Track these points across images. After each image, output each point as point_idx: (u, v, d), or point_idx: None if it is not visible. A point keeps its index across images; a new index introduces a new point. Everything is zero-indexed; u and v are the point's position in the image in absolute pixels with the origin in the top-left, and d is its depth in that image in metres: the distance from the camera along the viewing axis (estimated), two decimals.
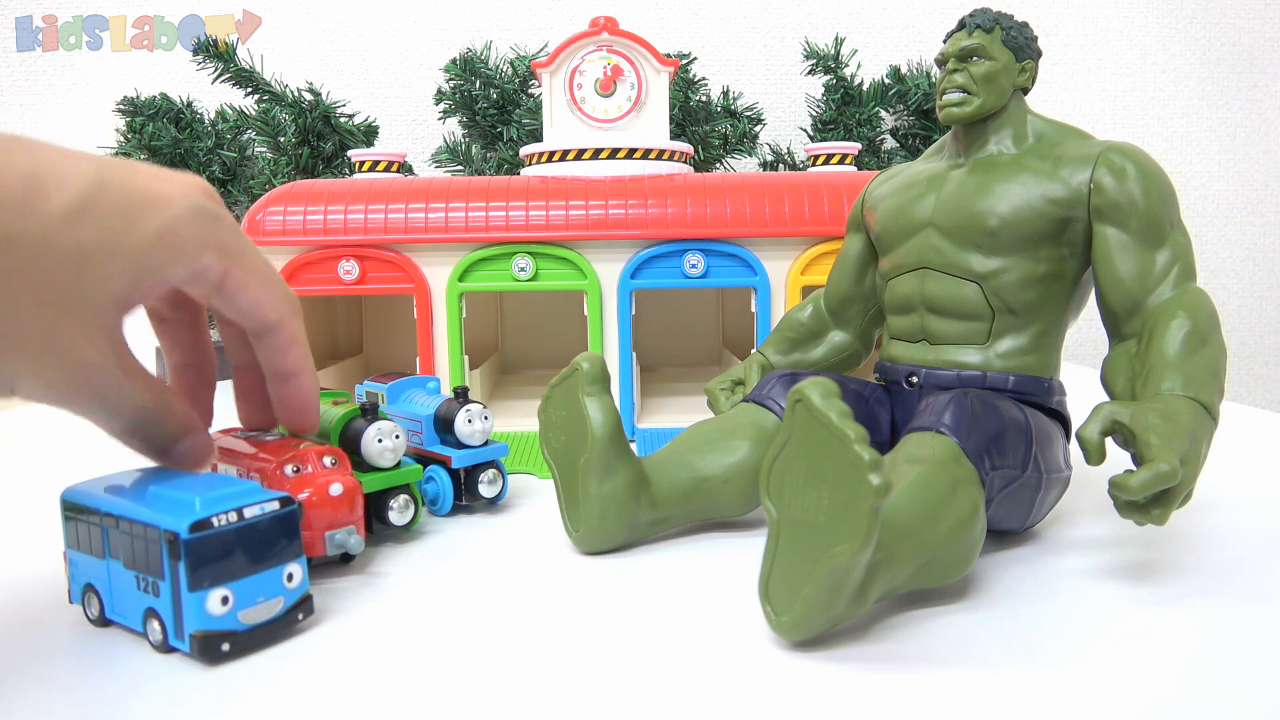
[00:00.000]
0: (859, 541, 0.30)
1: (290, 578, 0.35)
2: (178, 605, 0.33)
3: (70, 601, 0.37)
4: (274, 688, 0.32)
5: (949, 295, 0.45)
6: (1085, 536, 0.46)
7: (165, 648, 0.34)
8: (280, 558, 0.35)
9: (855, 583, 0.33)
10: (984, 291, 0.44)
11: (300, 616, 0.36)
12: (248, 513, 0.34)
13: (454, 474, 0.51)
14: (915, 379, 0.46)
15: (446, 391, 0.66)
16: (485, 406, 0.51)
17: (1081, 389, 0.56)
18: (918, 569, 0.36)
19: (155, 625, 0.34)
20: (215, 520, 0.33)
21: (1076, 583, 0.40)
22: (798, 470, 0.33)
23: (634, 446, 0.68)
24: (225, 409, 0.45)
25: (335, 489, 0.40)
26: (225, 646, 0.33)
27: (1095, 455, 0.37)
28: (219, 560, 0.33)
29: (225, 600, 0.33)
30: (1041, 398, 0.45)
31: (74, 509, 0.36)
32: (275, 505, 0.35)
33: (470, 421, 0.50)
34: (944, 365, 0.45)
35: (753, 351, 0.59)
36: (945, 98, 0.46)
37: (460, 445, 0.51)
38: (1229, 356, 0.41)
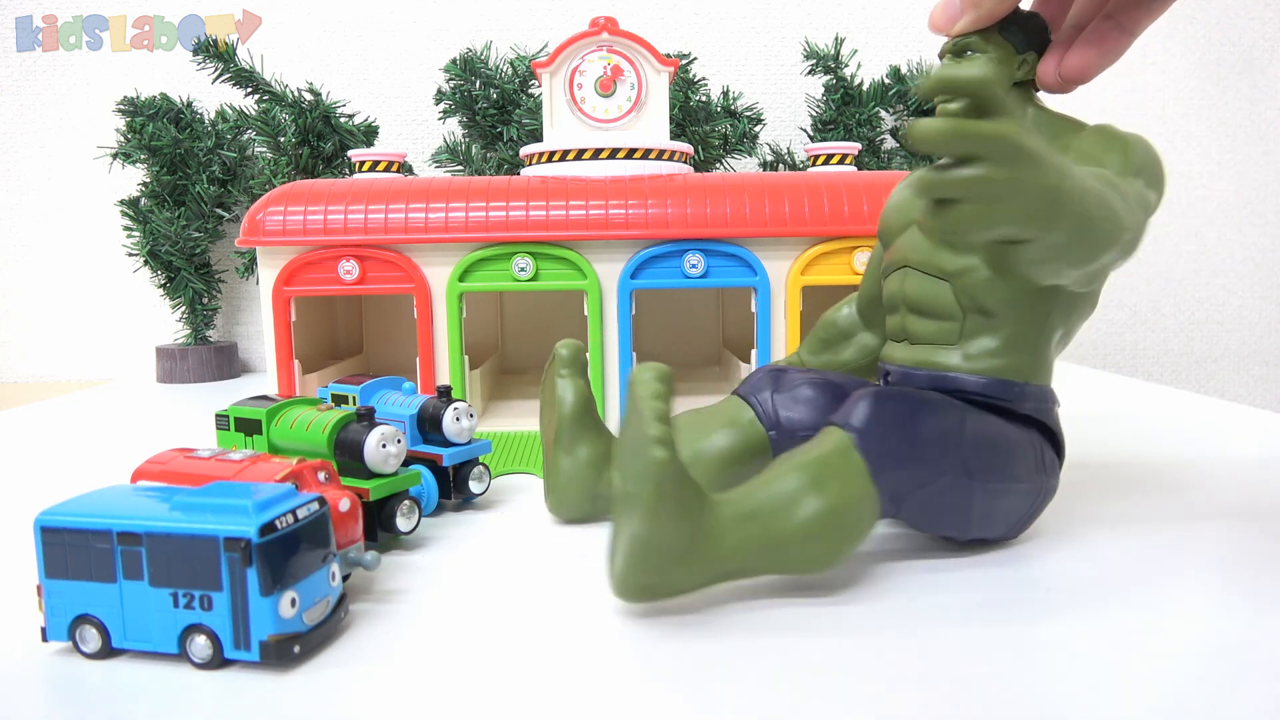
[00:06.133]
0: (644, 511, 0.33)
1: (333, 577, 0.35)
2: (243, 614, 0.32)
3: (45, 639, 0.34)
4: (292, 694, 0.32)
5: (924, 294, 0.44)
6: (1094, 544, 0.45)
7: (217, 662, 0.33)
8: (326, 557, 0.35)
9: (670, 553, 0.35)
10: (954, 290, 0.43)
11: (342, 615, 0.36)
12: (300, 513, 0.34)
13: (441, 472, 0.51)
14: (890, 377, 0.46)
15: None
16: (469, 404, 0.52)
17: (1084, 389, 0.56)
18: (768, 554, 0.37)
19: (202, 641, 0.32)
20: (278, 523, 0.32)
21: (1079, 591, 0.40)
22: (628, 444, 0.36)
23: None
24: (201, 427, 0.45)
25: (344, 504, 0.39)
26: (296, 649, 0.33)
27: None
28: (285, 562, 0.33)
29: (294, 602, 0.33)
30: (1012, 403, 0.43)
31: (61, 534, 0.33)
32: (316, 505, 0.35)
33: (458, 420, 0.51)
34: (920, 365, 0.44)
35: (754, 354, 0.59)
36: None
37: (446, 443, 0.51)
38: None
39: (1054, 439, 0.45)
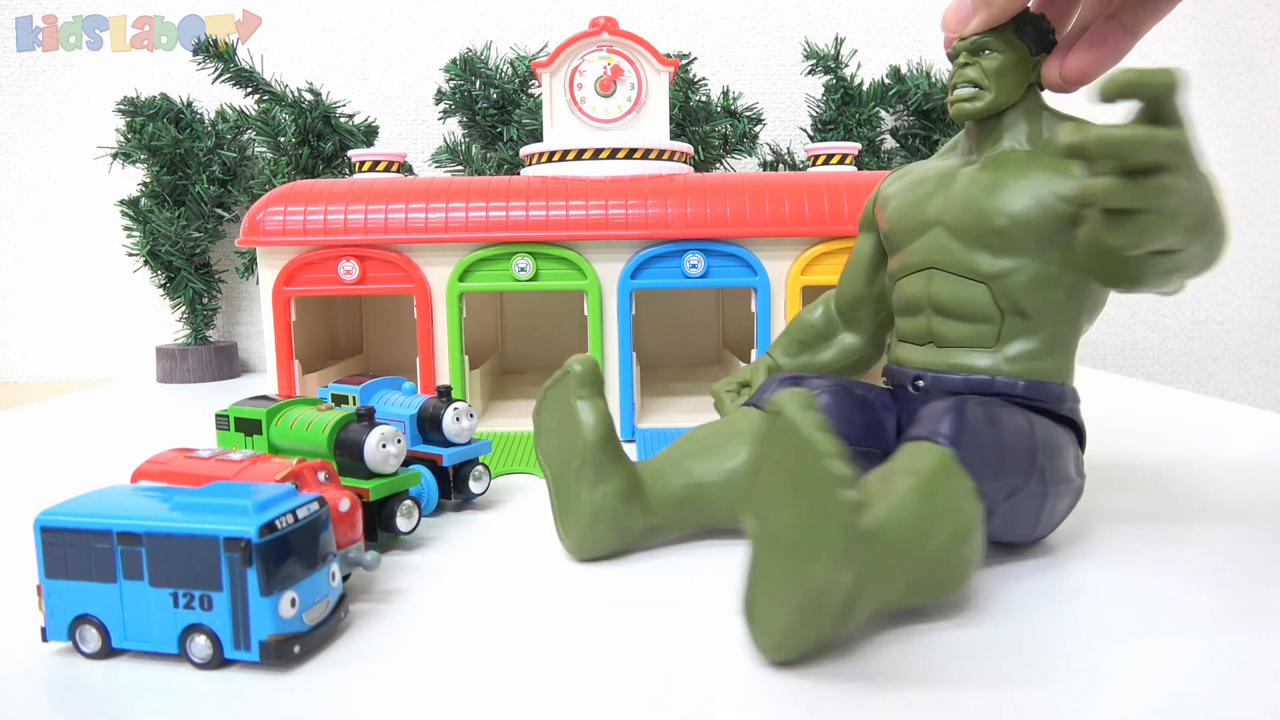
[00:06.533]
0: (834, 561, 0.29)
1: (333, 577, 0.35)
2: (243, 614, 0.32)
3: (45, 639, 0.34)
4: (292, 694, 0.32)
5: (956, 296, 0.44)
6: (1095, 546, 0.45)
7: (217, 662, 0.33)
8: (326, 558, 0.35)
9: (837, 602, 0.31)
10: (992, 293, 0.42)
11: (342, 615, 0.36)
12: (300, 513, 0.34)
13: (441, 472, 0.51)
14: (921, 383, 0.45)
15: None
16: (469, 404, 0.51)
17: (1084, 389, 0.56)
18: (910, 585, 0.35)
19: (202, 641, 0.33)
20: (278, 523, 0.32)
21: (1080, 595, 0.40)
22: (777, 484, 0.32)
23: (634, 447, 0.68)
24: (201, 427, 0.45)
25: (344, 504, 0.39)
26: (296, 649, 0.33)
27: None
28: (285, 562, 0.33)
29: (294, 602, 0.33)
30: (1053, 404, 0.43)
31: (60, 534, 0.33)
32: (316, 505, 0.35)
33: (458, 420, 0.51)
34: (951, 369, 0.44)
35: (754, 354, 0.59)
36: (955, 92, 0.44)
37: (445, 443, 0.51)
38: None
39: (1081, 438, 0.45)
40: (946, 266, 0.44)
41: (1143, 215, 0.33)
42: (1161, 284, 0.40)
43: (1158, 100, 0.32)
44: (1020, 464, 0.39)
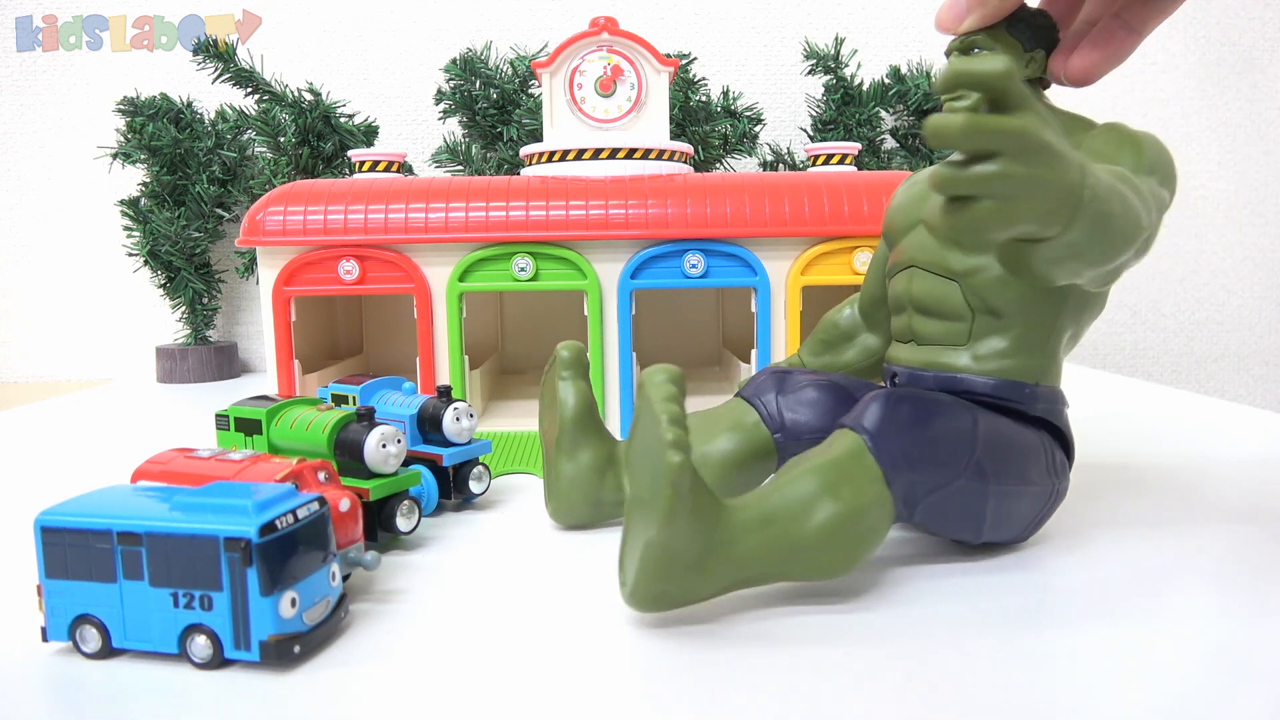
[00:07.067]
0: (659, 517, 0.33)
1: (333, 577, 0.35)
2: (243, 614, 0.32)
3: (45, 639, 0.34)
4: (292, 694, 0.32)
5: (931, 294, 0.44)
6: (1093, 546, 0.45)
7: (217, 662, 0.33)
8: (326, 557, 0.35)
9: (685, 560, 0.34)
10: (963, 290, 0.42)
11: (342, 615, 0.36)
12: (300, 513, 0.34)
13: (442, 472, 0.51)
14: (898, 379, 0.45)
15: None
16: (469, 404, 0.51)
17: (1084, 389, 0.56)
18: (784, 560, 0.36)
19: (202, 641, 0.33)
20: (278, 523, 0.32)
21: (1077, 593, 0.40)
22: (640, 449, 0.35)
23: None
24: (201, 427, 0.45)
25: (344, 504, 0.39)
26: (296, 649, 0.33)
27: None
28: (285, 562, 0.33)
29: (294, 602, 0.33)
30: (1023, 405, 0.42)
31: (61, 534, 0.33)
32: (316, 505, 0.35)
33: (458, 420, 0.51)
34: (927, 366, 0.44)
35: (754, 354, 0.59)
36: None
37: (445, 443, 0.51)
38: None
39: (1064, 441, 0.44)
40: (924, 264, 0.44)
41: (976, 202, 0.33)
42: (1056, 273, 0.39)
43: (988, 90, 0.31)
44: (949, 458, 0.39)
